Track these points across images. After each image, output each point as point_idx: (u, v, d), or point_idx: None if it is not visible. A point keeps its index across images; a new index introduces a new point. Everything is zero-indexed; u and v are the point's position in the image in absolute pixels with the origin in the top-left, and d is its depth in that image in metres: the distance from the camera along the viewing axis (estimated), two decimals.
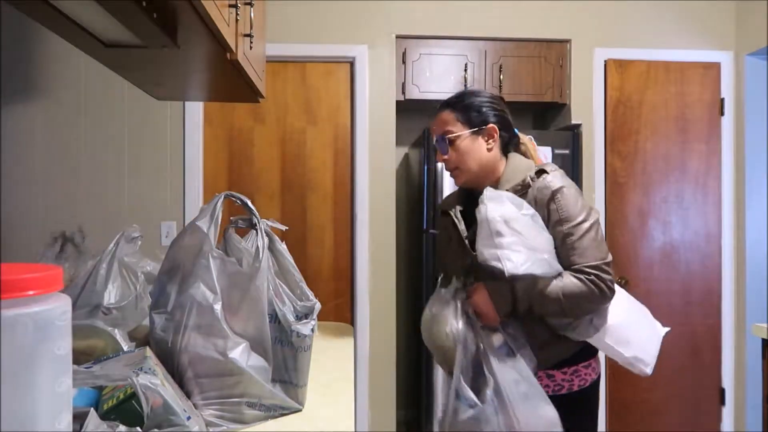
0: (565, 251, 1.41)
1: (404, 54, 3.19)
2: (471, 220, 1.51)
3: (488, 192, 1.44)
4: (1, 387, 0.56)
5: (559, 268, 1.41)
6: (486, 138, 1.54)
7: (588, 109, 3.26)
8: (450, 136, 1.54)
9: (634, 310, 1.56)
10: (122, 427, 0.77)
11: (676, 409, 3.24)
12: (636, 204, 3.26)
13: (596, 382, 1.55)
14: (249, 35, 1.52)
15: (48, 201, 2.88)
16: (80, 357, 1.05)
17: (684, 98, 3.28)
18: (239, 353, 1.03)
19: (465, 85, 3.18)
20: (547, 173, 1.47)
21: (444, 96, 3.29)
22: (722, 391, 3.28)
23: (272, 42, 2.35)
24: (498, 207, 1.39)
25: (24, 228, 2.84)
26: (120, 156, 2.95)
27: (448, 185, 3.02)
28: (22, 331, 0.57)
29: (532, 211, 1.42)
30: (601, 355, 1.57)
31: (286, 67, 3.19)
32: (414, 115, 3.46)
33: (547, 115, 3.63)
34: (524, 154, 1.61)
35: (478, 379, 1.38)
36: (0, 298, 0.56)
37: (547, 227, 1.42)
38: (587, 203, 1.47)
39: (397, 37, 3.19)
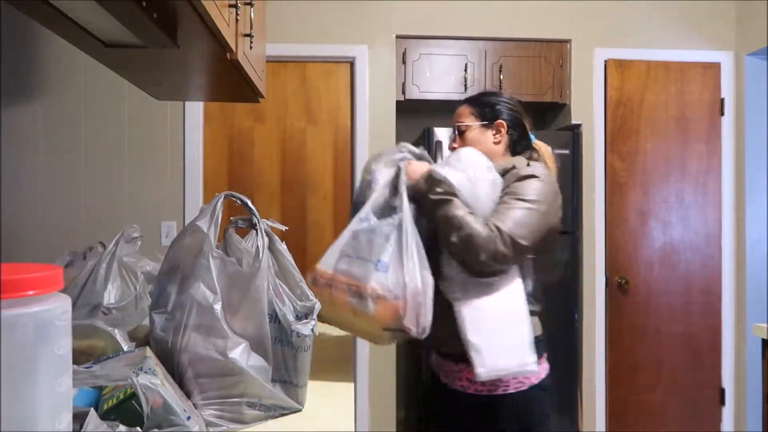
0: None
1: (404, 54, 3.19)
2: None
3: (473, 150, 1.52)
4: (1, 387, 0.56)
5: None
6: (494, 132, 1.62)
7: (588, 109, 3.26)
8: (461, 125, 1.64)
9: (515, 321, 1.45)
10: (122, 427, 0.77)
11: (676, 409, 3.24)
12: (636, 204, 3.26)
13: (536, 386, 1.49)
14: (249, 35, 1.52)
15: (48, 201, 2.88)
16: (80, 357, 1.05)
17: (684, 98, 3.28)
18: (239, 353, 1.03)
19: (465, 86, 3.18)
20: (529, 165, 1.51)
21: (444, 96, 3.31)
22: (722, 391, 3.28)
23: (272, 42, 2.36)
24: (473, 153, 1.49)
25: (24, 228, 2.84)
26: (120, 156, 2.95)
27: None
28: (22, 331, 0.57)
29: (497, 178, 1.47)
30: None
31: (286, 67, 3.19)
32: (414, 115, 3.47)
33: (547, 115, 3.63)
34: (533, 158, 1.64)
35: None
36: (0, 298, 0.56)
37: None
38: (551, 204, 1.46)
39: (397, 37, 3.19)
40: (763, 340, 2.19)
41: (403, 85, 3.18)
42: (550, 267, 1.55)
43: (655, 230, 3.26)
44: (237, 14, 1.38)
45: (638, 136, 3.26)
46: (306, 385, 1.16)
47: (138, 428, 0.80)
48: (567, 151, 3.15)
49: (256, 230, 1.12)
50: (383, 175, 1.49)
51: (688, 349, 3.26)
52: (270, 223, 1.18)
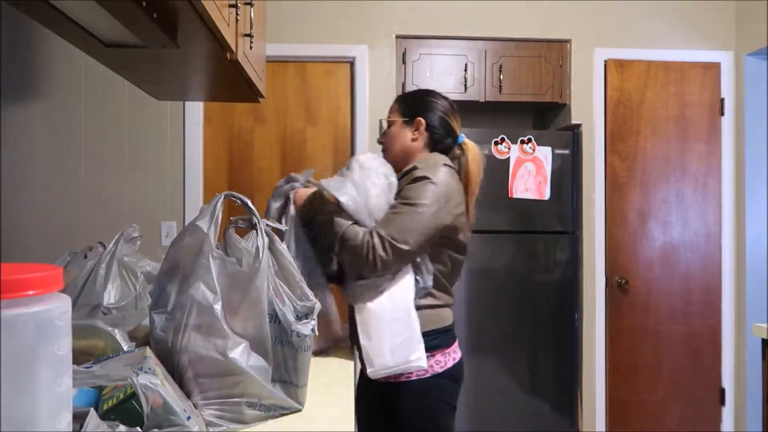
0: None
1: (404, 54, 3.19)
2: None
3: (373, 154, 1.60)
4: (1, 387, 0.56)
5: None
6: (413, 129, 1.68)
7: (588, 109, 3.26)
8: (387, 120, 1.74)
9: (400, 320, 1.51)
10: (122, 427, 0.77)
11: (676, 409, 3.24)
12: (636, 204, 3.26)
13: (439, 375, 1.53)
14: (249, 35, 1.52)
15: (48, 201, 2.88)
16: (80, 357, 1.05)
17: (684, 98, 3.28)
18: (239, 353, 1.03)
19: (465, 86, 3.18)
20: (428, 166, 1.56)
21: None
22: (722, 391, 3.28)
23: (272, 42, 2.36)
24: (372, 159, 1.55)
25: (24, 228, 2.84)
26: (120, 156, 2.95)
27: None
28: (22, 331, 0.57)
29: (394, 182, 1.54)
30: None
31: (286, 67, 3.19)
32: None
33: (547, 115, 3.63)
34: (457, 159, 1.67)
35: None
36: (0, 298, 0.56)
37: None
38: (442, 205, 1.50)
39: (397, 37, 3.19)
40: (763, 340, 2.19)
41: (403, 85, 3.18)
42: (451, 261, 1.59)
43: (655, 230, 3.26)
44: (237, 14, 1.38)
45: (638, 136, 3.26)
46: (306, 385, 1.16)
47: (138, 428, 0.80)
48: (567, 151, 3.15)
49: (256, 230, 1.12)
50: (273, 208, 1.62)
51: (688, 349, 3.26)
52: (270, 223, 1.18)
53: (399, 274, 1.50)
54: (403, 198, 1.50)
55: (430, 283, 1.54)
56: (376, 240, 1.43)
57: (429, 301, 1.56)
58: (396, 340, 1.46)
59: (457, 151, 1.68)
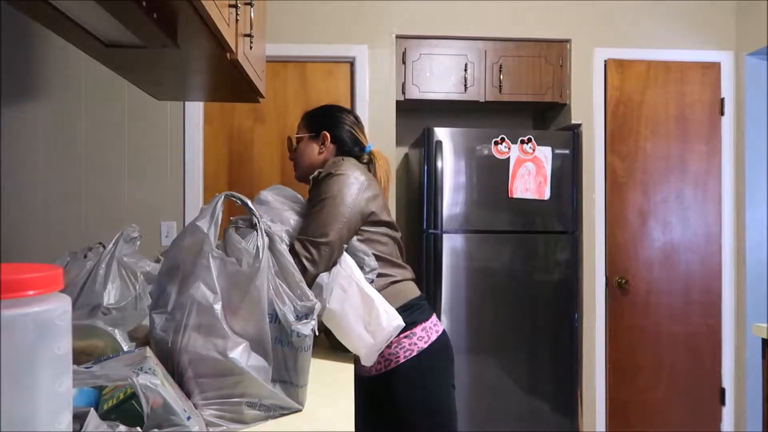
0: None
1: (404, 54, 3.19)
2: None
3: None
4: (1, 387, 0.56)
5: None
6: (319, 143, 1.75)
7: (588, 109, 3.26)
8: (294, 137, 1.80)
9: (358, 299, 1.51)
10: (122, 427, 0.77)
11: (676, 409, 3.24)
12: (636, 204, 3.26)
13: (425, 351, 1.55)
14: (249, 35, 1.52)
15: (48, 201, 2.88)
16: (80, 357, 1.05)
17: (684, 98, 3.28)
18: (239, 353, 1.03)
19: (465, 86, 3.18)
20: (329, 165, 1.61)
21: (444, 96, 3.32)
22: (722, 391, 3.28)
23: (272, 42, 2.36)
24: (275, 192, 1.60)
25: (24, 228, 2.84)
26: (120, 156, 2.95)
27: (449, 186, 3.02)
28: (22, 331, 0.57)
29: (304, 207, 1.60)
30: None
31: (286, 67, 3.19)
32: (414, 115, 3.46)
33: (547, 115, 3.63)
34: (366, 166, 1.73)
35: None
36: (0, 298, 0.56)
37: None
38: (350, 191, 1.53)
39: (397, 37, 3.19)
40: (763, 340, 2.19)
41: (403, 85, 3.18)
42: (389, 239, 1.63)
43: (655, 230, 3.26)
44: (237, 14, 1.38)
45: (638, 136, 3.26)
46: (306, 385, 1.16)
47: (138, 428, 0.80)
48: (567, 151, 3.15)
49: (256, 230, 1.12)
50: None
51: (688, 349, 3.26)
52: (270, 223, 1.18)
53: (336, 269, 1.50)
54: (310, 201, 1.56)
55: (374, 263, 1.55)
56: (297, 246, 1.47)
57: (383, 279, 1.57)
58: (366, 319, 1.46)
59: (365, 159, 1.75)
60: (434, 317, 1.64)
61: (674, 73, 3.28)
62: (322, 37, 3.13)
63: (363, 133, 1.80)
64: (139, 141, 2.96)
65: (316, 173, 1.60)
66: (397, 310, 1.50)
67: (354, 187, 1.55)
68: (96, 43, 1.31)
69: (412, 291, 1.63)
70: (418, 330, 1.56)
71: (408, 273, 1.66)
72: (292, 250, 1.46)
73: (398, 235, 1.67)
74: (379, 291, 1.51)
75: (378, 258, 1.57)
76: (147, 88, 1.90)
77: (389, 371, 1.54)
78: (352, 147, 1.75)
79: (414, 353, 1.55)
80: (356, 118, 1.82)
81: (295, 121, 3.27)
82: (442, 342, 1.61)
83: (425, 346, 1.56)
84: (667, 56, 3.28)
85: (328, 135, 1.73)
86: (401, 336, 1.54)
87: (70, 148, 2.91)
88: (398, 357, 1.54)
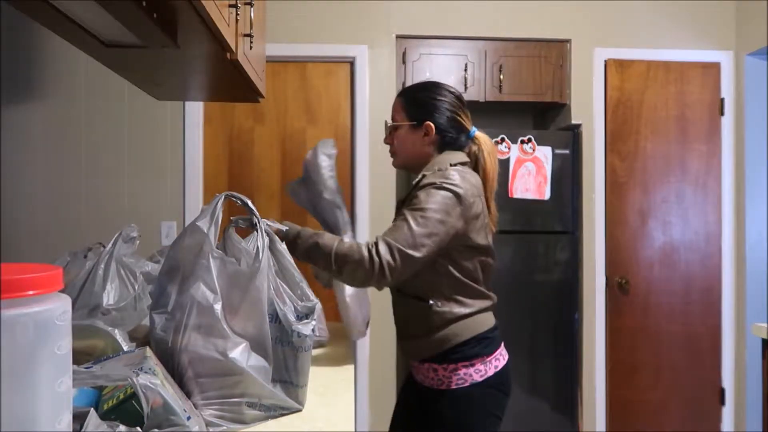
0: None
1: (404, 54, 3.19)
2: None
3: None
4: (1, 387, 0.56)
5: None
6: (423, 133, 1.60)
7: (588, 109, 3.26)
8: (394, 123, 1.65)
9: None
10: (122, 427, 0.77)
11: (676, 409, 3.24)
12: (636, 204, 3.26)
13: (478, 384, 1.52)
14: (249, 35, 1.52)
15: (48, 201, 2.88)
16: (80, 357, 1.05)
17: (684, 98, 3.28)
18: (239, 353, 1.03)
19: (465, 86, 3.18)
20: (441, 170, 1.52)
21: None
22: (722, 391, 3.28)
23: (272, 42, 2.35)
24: (315, 156, 1.60)
25: (24, 228, 2.84)
26: (120, 156, 2.95)
27: None
28: (22, 331, 0.57)
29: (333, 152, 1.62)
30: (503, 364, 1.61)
31: (286, 67, 3.19)
32: None
33: (547, 115, 3.63)
34: (473, 155, 1.63)
35: None
36: (0, 298, 0.56)
37: None
38: (451, 210, 1.46)
39: (397, 37, 3.19)
40: (763, 340, 2.19)
41: (403, 85, 3.18)
42: (480, 265, 1.57)
43: (655, 230, 3.26)
44: (237, 14, 1.38)
45: (638, 136, 3.26)
46: (306, 385, 1.16)
47: (138, 428, 0.80)
48: (567, 151, 3.15)
49: (257, 230, 1.12)
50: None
51: (688, 349, 3.26)
52: (270, 223, 1.18)
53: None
54: (412, 205, 1.46)
55: (451, 291, 1.51)
56: (383, 249, 1.39)
57: (459, 309, 1.51)
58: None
59: (473, 147, 1.63)
60: (500, 350, 1.57)
61: (674, 73, 3.27)
62: (322, 37, 3.13)
63: (467, 115, 1.65)
64: (139, 141, 2.96)
65: (419, 177, 1.53)
66: (465, 341, 1.50)
67: (458, 208, 1.46)
68: (96, 43, 1.31)
69: (483, 323, 1.55)
70: (477, 363, 1.52)
71: (487, 302, 1.57)
72: (364, 252, 1.40)
73: (490, 261, 1.60)
74: (447, 324, 1.50)
75: (457, 281, 1.51)
76: (147, 88, 1.90)
77: (438, 391, 1.52)
78: (457, 136, 1.61)
79: (466, 384, 1.51)
80: (459, 99, 1.65)
81: (295, 121, 3.28)
82: (499, 377, 1.55)
83: (479, 380, 1.51)
84: (667, 56, 3.28)
85: (432, 126, 1.59)
86: (460, 364, 1.50)
87: (69, 148, 2.91)
88: (450, 382, 1.51)
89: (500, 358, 1.55)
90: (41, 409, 0.60)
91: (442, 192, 1.46)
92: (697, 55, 3.30)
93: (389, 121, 1.68)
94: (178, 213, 2.97)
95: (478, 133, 1.64)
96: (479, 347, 1.51)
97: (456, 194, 1.46)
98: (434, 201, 1.44)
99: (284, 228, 1.48)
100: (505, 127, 3.25)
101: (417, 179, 1.53)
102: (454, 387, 1.50)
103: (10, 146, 2.84)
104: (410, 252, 1.40)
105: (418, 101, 1.62)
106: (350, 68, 3.21)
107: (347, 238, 1.52)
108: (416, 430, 1.60)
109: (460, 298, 1.51)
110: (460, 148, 1.61)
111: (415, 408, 1.60)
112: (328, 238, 1.43)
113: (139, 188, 2.95)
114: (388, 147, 1.68)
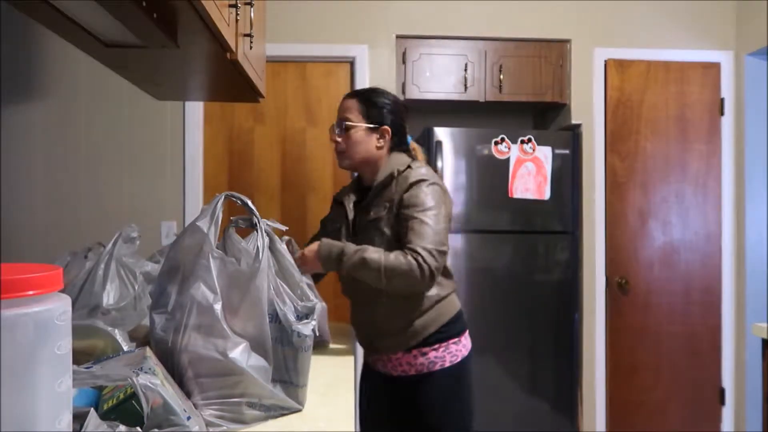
0: (404, 233, 1.53)
1: (404, 54, 3.19)
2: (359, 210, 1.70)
3: None
4: (1, 387, 0.56)
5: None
6: (378, 136, 1.67)
7: (588, 109, 3.26)
8: (348, 123, 1.67)
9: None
10: (122, 427, 0.77)
11: (676, 409, 3.24)
12: (636, 204, 3.26)
13: (467, 359, 1.64)
14: (249, 35, 1.52)
15: (48, 201, 2.88)
16: (80, 357, 1.05)
17: (684, 98, 3.28)
18: (239, 353, 1.03)
19: (465, 86, 3.18)
20: (413, 167, 1.61)
21: (444, 96, 3.31)
22: (722, 391, 3.28)
23: (272, 42, 2.35)
24: None
25: (24, 228, 2.83)
26: (120, 156, 2.95)
27: (449, 186, 3.02)
28: (22, 331, 0.57)
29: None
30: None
31: (286, 67, 3.19)
32: (414, 115, 3.44)
33: (547, 115, 3.63)
34: (409, 153, 1.73)
35: None
36: (0, 298, 0.56)
37: (399, 211, 1.57)
38: (445, 201, 1.59)
39: (397, 37, 3.18)
40: (763, 340, 2.19)
41: (403, 85, 3.18)
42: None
43: (655, 230, 3.26)
44: (237, 14, 1.38)
45: (638, 136, 3.26)
46: (306, 385, 1.16)
47: (138, 428, 0.80)
48: (567, 151, 3.15)
49: (257, 230, 1.12)
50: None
51: (688, 349, 3.26)
52: (270, 223, 1.18)
53: None
54: (416, 206, 1.53)
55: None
56: (425, 254, 1.47)
57: (439, 291, 1.61)
58: None
59: (412, 151, 1.73)
60: (467, 332, 1.69)
61: (674, 73, 3.27)
62: (322, 37, 3.13)
63: (406, 122, 1.76)
64: (139, 141, 2.95)
65: (393, 172, 1.60)
66: (451, 320, 1.61)
67: (445, 198, 1.60)
68: (96, 43, 1.31)
69: (457, 302, 1.68)
70: (462, 337, 1.64)
71: (453, 281, 1.69)
72: (410, 260, 1.47)
73: None
74: (434, 305, 1.58)
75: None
76: (147, 88, 1.90)
77: (429, 374, 1.59)
78: (402, 140, 1.72)
79: (458, 359, 1.62)
80: (405, 107, 1.76)
81: (295, 121, 3.28)
82: (469, 357, 1.67)
83: (466, 353, 1.64)
84: (667, 56, 3.28)
85: (389, 131, 1.67)
86: (450, 342, 1.61)
87: (69, 148, 2.91)
88: (444, 361, 1.60)
89: (468, 338, 1.68)
90: (41, 409, 0.59)
91: (433, 187, 1.57)
92: (697, 55, 3.30)
93: (336, 121, 1.69)
94: (178, 213, 2.97)
95: (412, 142, 1.77)
96: (459, 323, 1.64)
97: (441, 186, 1.60)
98: (432, 198, 1.55)
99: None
100: (505, 127, 3.25)
101: (390, 175, 1.60)
102: (448, 365, 1.60)
103: (10, 146, 2.84)
104: (442, 248, 1.51)
105: (376, 105, 1.68)
106: (350, 68, 3.20)
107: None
108: (405, 423, 1.65)
109: (440, 279, 1.60)
110: (403, 152, 1.70)
111: (393, 404, 1.65)
112: (372, 252, 1.51)
113: (139, 188, 2.95)
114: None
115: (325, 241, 1.57)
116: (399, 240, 1.55)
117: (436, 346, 1.59)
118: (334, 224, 1.77)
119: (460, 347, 1.63)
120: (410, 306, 1.59)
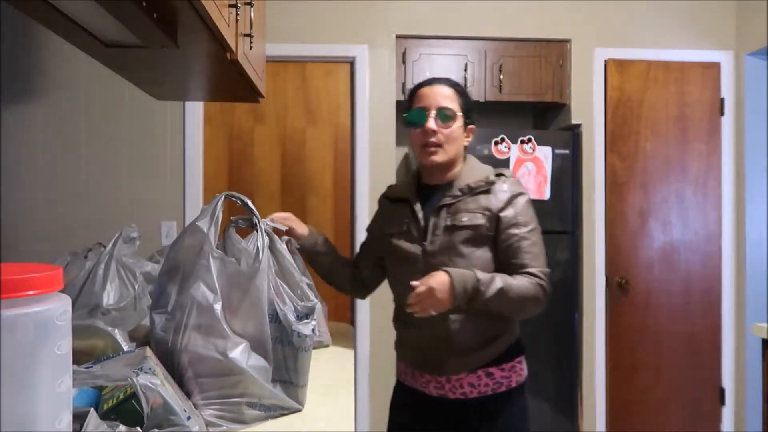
0: (515, 253, 1.45)
1: (404, 54, 3.19)
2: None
3: None
4: (1, 387, 0.56)
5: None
6: (466, 135, 1.57)
7: (588, 109, 3.26)
8: (449, 111, 1.50)
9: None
10: (122, 427, 0.77)
11: (676, 409, 3.24)
12: (636, 204, 3.26)
13: (527, 378, 1.60)
14: (249, 35, 1.52)
15: (48, 201, 2.88)
16: (80, 357, 1.05)
17: (684, 98, 3.28)
18: (239, 353, 1.03)
19: (465, 86, 3.17)
20: (506, 176, 1.54)
21: None
22: (722, 391, 3.28)
23: (272, 42, 2.35)
24: None
25: (24, 228, 2.83)
26: (120, 156, 2.95)
27: None
28: (22, 331, 0.57)
29: None
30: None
31: (286, 67, 3.19)
32: None
33: (547, 115, 3.63)
34: None
35: None
36: (0, 298, 0.56)
37: (498, 228, 1.46)
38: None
39: (397, 37, 3.18)
40: (763, 340, 2.19)
41: (403, 85, 3.18)
42: None
43: (655, 230, 3.26)
44: (237, 14, 1.38)
45: (638, 136, 3.26)
46: (306, 385, 1.16)
47: (138, 428, 0.80)
48: (567, 151, 3.15)
49: (257, 230, 1.12)
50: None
51: (688, 349, 3.26)
52: (270, 224, 1.18)
53: None
54: (528, 225, 1.47)
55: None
56: (544, 278, 1.43)
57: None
58: None
59: None
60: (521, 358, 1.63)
61: (674, 73, 3.27)
62: (322, 37, 3.13)
63: None
64: (139, 141, 2.95)
65: (490, 178, 1.49)
66: (517, 339, 1.57)
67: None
68: (96, 43, 1.31)
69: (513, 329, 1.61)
70: (523, 357, 1.59)
71: None
72: (536, 285, 1.41)
73: None
74: (510, 322, 1.54)
75: None
76: (147, 88, 1.90)
77: (497, 394, 1.51)
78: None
79: (523, 379, 1.56)
80: None
81: (295, 121, 3.28)
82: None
83: (526, 372, 1.59)
84: (667, 56, 3.28)
85: (475, 131, 1.58)
86: (515, 360, 1.54)
87: (70, 148, 2.91)
88: (510, 381, 1.53)
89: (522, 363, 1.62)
90: (41, 409, 0.60)
91: (530, 201, 1.53)
92: (697, 55, 3.30)
93: (433, 109, 1.48)
94: (178, 213, 2.97)
95: None
96: (521, 339, 1.59)
97: (530, 198, 1.54)
98: (532, 213, 1.51)
99: (284, 228, 1.47)
100: (505, 127, 3.25)
101: (479, 185, 1.48)
102: (515, 385, 1.53)
103: (10, 146, 2.84)
104: (548, 270, 1.47)
105: (469, 102, 1.56)
106: (350, 68, 3.20)
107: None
108: None
109: None
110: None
111: (444, 430, 1.53)
112: (505, 281, 1.39)
113: (139, 188, 2.95)
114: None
115: (455, 271, 1.35)
116: (493, 251, 1.46)
117: (503, 365, 1.50)
118: (395, 227, 1.56)
119: (524, 366, 1.57)
120: (486, 322, 1.46)
